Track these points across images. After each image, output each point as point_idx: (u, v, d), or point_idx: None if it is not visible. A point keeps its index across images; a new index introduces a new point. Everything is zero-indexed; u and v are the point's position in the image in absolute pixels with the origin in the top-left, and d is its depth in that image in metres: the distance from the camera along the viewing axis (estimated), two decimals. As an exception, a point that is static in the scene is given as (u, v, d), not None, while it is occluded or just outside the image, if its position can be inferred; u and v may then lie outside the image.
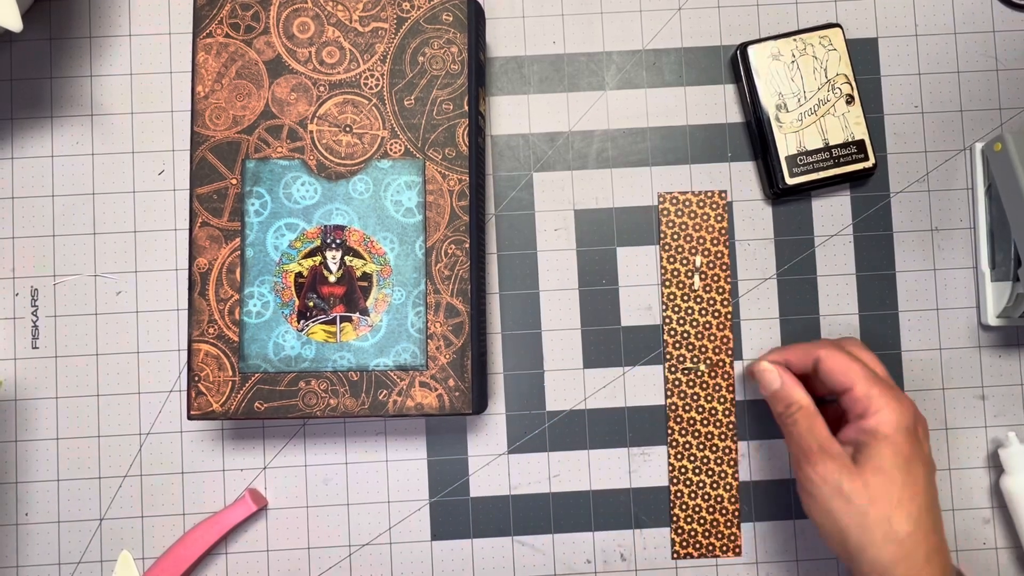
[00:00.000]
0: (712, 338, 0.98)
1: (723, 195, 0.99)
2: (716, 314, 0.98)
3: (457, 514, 0.97)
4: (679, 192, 0.99)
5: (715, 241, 0.99)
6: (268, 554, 0.97)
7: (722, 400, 0.98)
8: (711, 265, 0.99)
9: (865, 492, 0.80)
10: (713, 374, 0.98)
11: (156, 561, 0.94)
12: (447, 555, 0.97)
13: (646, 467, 0.98)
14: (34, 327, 0.97)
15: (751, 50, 0.97)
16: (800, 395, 0.88)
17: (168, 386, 0.98)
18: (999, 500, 0.98)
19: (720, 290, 0.99)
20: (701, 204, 0.99)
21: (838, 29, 0.97)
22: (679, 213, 0.99)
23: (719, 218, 0.99)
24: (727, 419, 0.98)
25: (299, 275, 0.88)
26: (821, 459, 0.83)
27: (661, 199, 0.99)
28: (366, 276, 0.88)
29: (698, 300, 0.98)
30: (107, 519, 0.97)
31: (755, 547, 0.98)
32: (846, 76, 0.97)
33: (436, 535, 0.98)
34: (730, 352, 0.98)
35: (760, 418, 0.98)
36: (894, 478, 0.81)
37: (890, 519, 0.80)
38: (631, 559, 0.98)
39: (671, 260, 0.99)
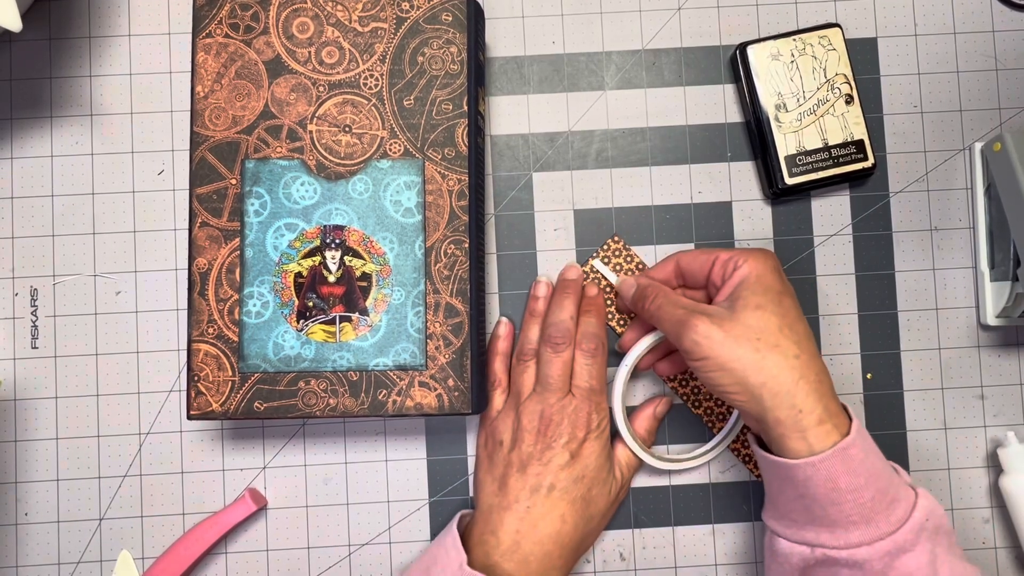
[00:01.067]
0: None
1: (616, 239, 1.00)
2: None
3: (456, 514, 0.97)
4: (584, 268, 0.99)
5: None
6: (268, 554, 0.97)
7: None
8: None
9: (749, 331, 0.82)
10: None
11: (156, 561, 0.94)
12: (447, 555, 0.97)
13: (645, 466, 0.98)
14: (34, 327, 0.97)
15: (750, 50, 0.97)
16: (656, 284, 0.92)
17: (168, 386, 0.98)
18: (998, 500, 0.98)
19: None
20: (607, 260, 0.99)
21: (837, 29, 0.97)
22: (597, 283, 0.99)
23: (628, 259, 0.99)
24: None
25: (299, 275, 0.88)
26: (696, 319, 0.83)
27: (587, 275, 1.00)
28: (365, 276, 0.88)
29: None
30: (107, 519, 0.97)
31: (754, 547, 0.98)
32: (845, 76, 0.97)
33: (435, 535, 0.98)
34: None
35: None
36: (771, 310, 0.83)
37: (779, 346, 0.81)
38: (630, 559, 0.98)
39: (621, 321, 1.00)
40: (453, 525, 0.90)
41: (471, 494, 0.98)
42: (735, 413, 0.97)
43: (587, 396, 0.92)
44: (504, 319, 0.98)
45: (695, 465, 0.96)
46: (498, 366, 0.97)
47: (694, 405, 0.99)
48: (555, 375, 0.91)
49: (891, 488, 0.81)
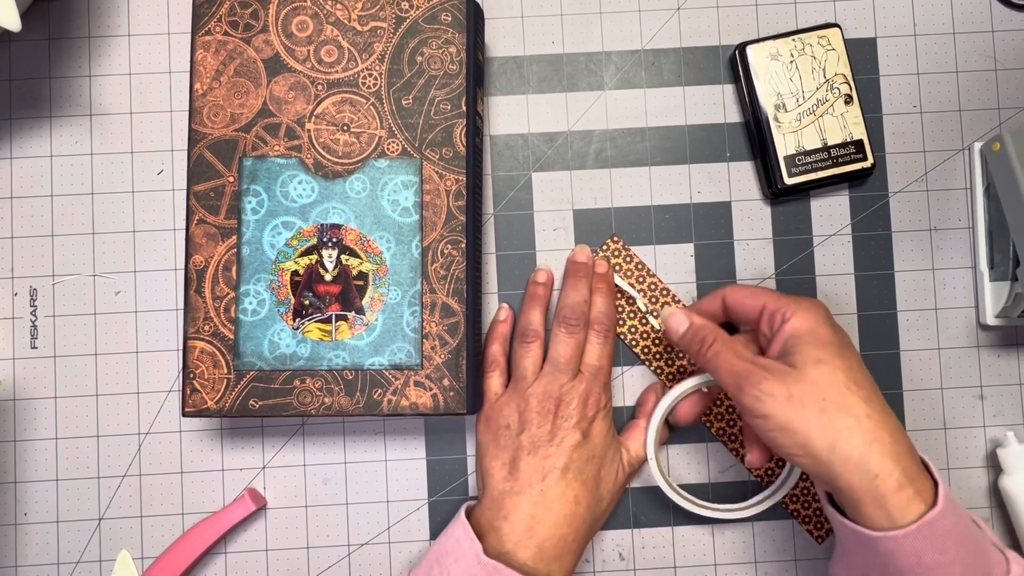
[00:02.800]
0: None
1: (615, 239, 0.99)
2: None
3: (456, 514, 0.97)
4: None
5: (641, 279, 0.99)
6: (267, 554, 0.97)
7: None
8: (655, 300, 0.99)
9: (814, 389, 0.78)
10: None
11: (155, 561, 0.94)
12: (446, 555, 0.97)
13: (644, 466, 0.98)
14: (33, 327, 0.98)
15: (750, 50, 0.97)
16: (711, 327, 0.88)
17: (167, 386, 0.98)
18: (998, 500, 0.98)
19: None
20: (607, 260, 0.98)
21: (837, 29, 0.97)
22: (607, 259, 0.99)
23: (627, 259, 0.99)
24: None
25: (295, 273, 0.88)
26: (758, 375, 0.80)
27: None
28: (362, 275, 0.88)
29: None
30: (106, 519, 0.97)
31: (754, 547, 0.98)
32: (845, 76, 0.97)
33: (435, 535, 0.98)
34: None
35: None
36: (836, 364, 0.79)
37: (847, 405, 0.78)
38: (630, 559, 0.98)
39: (620, 321, 0.99)
40: (462, 515, 0.89)
41: (471, 492, 0.98)
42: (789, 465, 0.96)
43: (595, 375, 0.92)
44: (505, 305, 0.98)
45: (740, 517, 0.95)
46: (496, 349, 0.97)
47: (711, 421, 0.99)
48: (568, 356, 0.92)
49: (981, 559, 0.77)
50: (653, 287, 0.98)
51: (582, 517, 0.89)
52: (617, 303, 0.98)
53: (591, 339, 0.93)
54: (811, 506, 0.97)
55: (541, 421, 0.90)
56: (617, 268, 0.99)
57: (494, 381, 0.95)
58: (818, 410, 0.77)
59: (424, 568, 0.88)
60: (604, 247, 0.99)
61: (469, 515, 0.91)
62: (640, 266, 0.98)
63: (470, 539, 0.86)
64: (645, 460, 0.95)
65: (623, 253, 0.99)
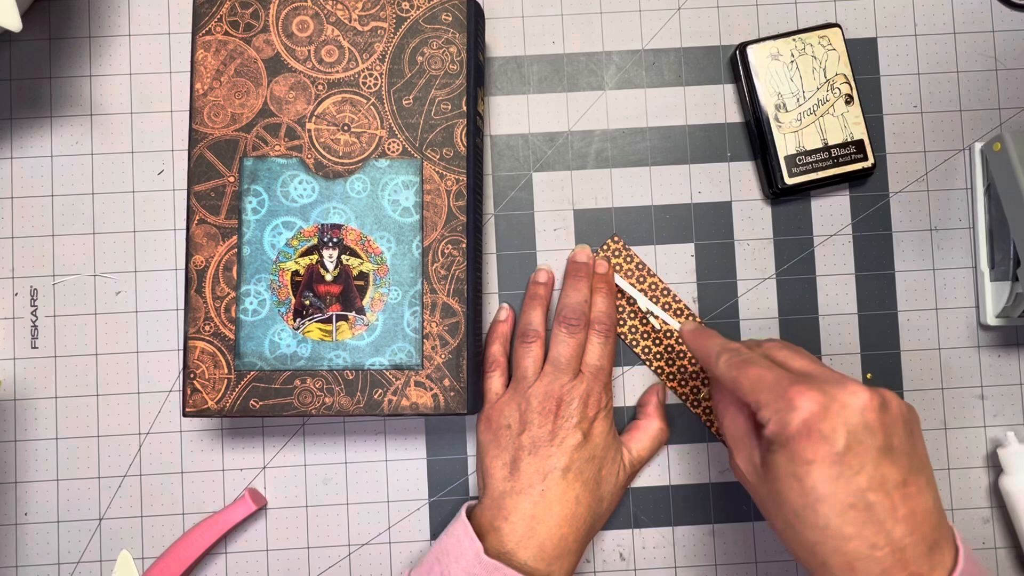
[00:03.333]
0: None
1: (616, 239, 0.99)
2: None
3: (456, 514, 0.97)
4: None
5: (641, 279, 0.99)
6: (268, 554, 0.97)
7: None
8: (655, 299, 0.99)
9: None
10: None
11: (156, 561, 0.94)
12: (446, 555, 0.97)
13: (645, 467, 0.98)
14: (33, 327, 0.98)
15: (750, 50, 0.97)
16: (747, 349, 0.84)
17: (167, 386, 0.98)
18: (998, 500, 0.98)
19: (679, 312, 0.99)
20: (607, 260, 0.98)
21: (837, 29, 0.97)
22: (607, 259, 0.99)
23: (628, 259, 0.99)
24: None
25: (295, 273, 0.88)
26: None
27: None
28: (363, 275, 0.88)
29: (667, 335, 0.99)
30: (106, 519, 0.97)
31: (754, 547, 0.98)
32: (845, 76, 0.97)
33: (435, 535, 0.98)
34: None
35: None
36: (791, 488, 0.74)
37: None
38: (630, 559, 0.98)
39: (620, 321, 0.99)
40: (463, 515, 0.89)
41: (471, 492, 0.98)
42: None
43: (596, 375, 0.92)
44: (505, 304, 0.99)
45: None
46: (497, 349, 0.97)
47: (693, 404, 0.98)
48: (568, 356, 0.92)
49: None
50: (653, 287, 0.98)
51: (583, 517, 0.89)
52: (618, 303, 0.98)
53: (592, 339, 0.93)
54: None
55: (542, 421, 0.89)
56: (617, 268, 0.99)
57: (495, 381, 0.95)
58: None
59: (425, 567, 0.88)
60: (604, 247, 0.99)
61: (470, 515, 0.91)
62: (640, 266, 0.98)
63: (470, 538, 0.86)
64: (647, 461, 0.95)
65: (623, 253, 0.99)
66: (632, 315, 0.98)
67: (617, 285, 0.97)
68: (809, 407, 0.73)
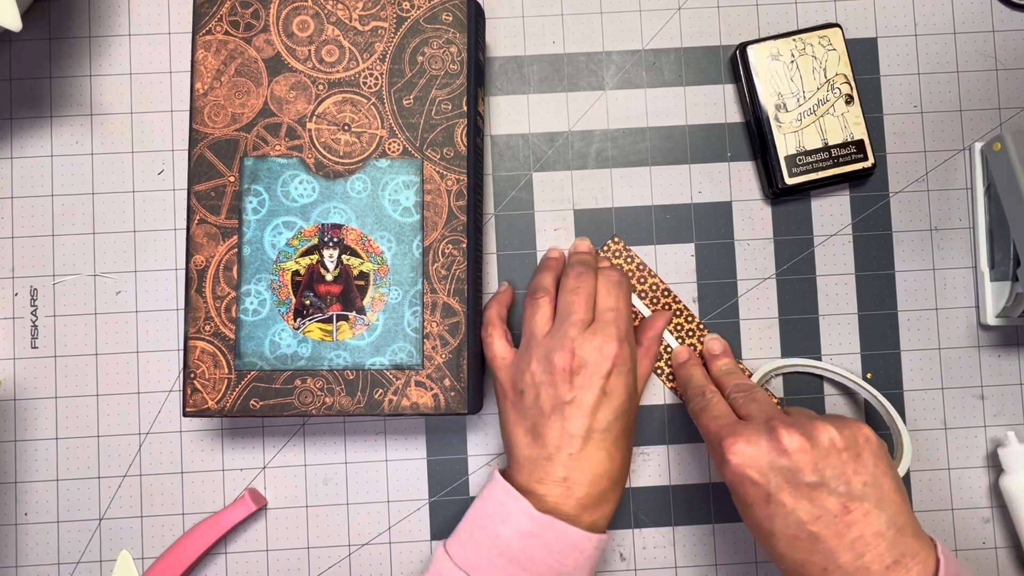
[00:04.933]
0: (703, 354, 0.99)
1: (616, 240, 0.99)
2: (691, 333, 0.99)
3: (457, 514, 0.97)
4: None
5: (642, 280, 0.99)
6: (268, 554, 0.97)
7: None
8: (655, 301, 0.99)
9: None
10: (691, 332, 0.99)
11: (155, 561, 0.94)
12: (446, 555, 0.97)
13: (645, 467, 0.98)
14: (33, 327, 0.98)
15: (750, 50, 0.97)
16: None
17: (167, 386, 0.98)
18: (998, 500, 0.98)
19: (678, 312, 0.99)
20: (608, 262, 0.98)
21: (837, 29, 0.97)
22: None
23: (628, 260, 0.99)
24: None
25: (296, 273, 0.88)
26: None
27: None
28: (363, 275, 0.88)
29: (673, 330, 0.99)
30: (106, 519, 0.97)
31: (754, 547, 0.98)
32: (845, 76, 0.97)
33: (436, 535, 0.98)
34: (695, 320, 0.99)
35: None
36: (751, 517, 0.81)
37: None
38: (630, 559, 0.98)
39: None
40: (500, 478, 0.86)
41: (471, 492, 0.98)
42: None
43: (612, 321, 0.88)
44: (506, 280, 0.98)
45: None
46: (493, 311, 0.94)
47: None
48: (580, 303, 0.88)
49: None
50: (654, 288, 0.98)
51: (617, 468, 0.87)
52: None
53: (602, 284, 0.90)
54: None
55: (557, 381, 0.85)
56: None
57: (496, 343, 0.92)
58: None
59: (464, 535, 0.86)
60: (605, 248, 0.99)
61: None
62: (641, 267, 0.98)
63: (514, 498, 0.84)
64: (650, 374, 0.97)
65: (624, 254, 0.99)
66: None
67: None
68: (737, 457, 0.80)
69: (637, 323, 0.98)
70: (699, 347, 0.98)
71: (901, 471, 0.91)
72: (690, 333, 0.98)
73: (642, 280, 0.98)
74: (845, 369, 0.97)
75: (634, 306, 0.98)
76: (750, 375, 0.97)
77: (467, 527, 0.86)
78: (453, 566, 0.84)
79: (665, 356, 0.99)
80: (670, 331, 0.98)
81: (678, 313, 0.98)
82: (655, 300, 0.98)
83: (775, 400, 0.91)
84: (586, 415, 0.85)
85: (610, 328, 0.87)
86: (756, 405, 0.86)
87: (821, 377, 0.99)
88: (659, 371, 0.99)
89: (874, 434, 0.80)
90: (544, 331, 0.89)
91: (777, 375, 0.98)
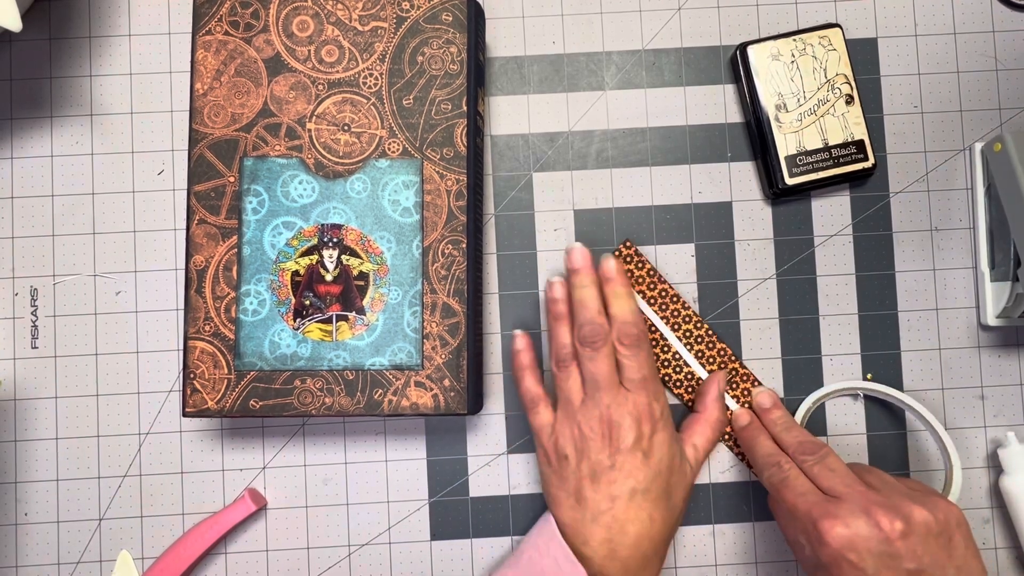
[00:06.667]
0: (711, 360, 0.98)
1: (627, 244, 0.99)
2: (699, 339, 0.99)
3: (457, 514, 0.97)
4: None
5: (652, 286, 0.99)
6: (267, 554, 0.97)
7: (687, 319, 0.98)
8: (664, 307, 0.98)
9: None
10: (735, 384, 0.99)
11: (155, 561, 0.94)
12: (446, 555, 0.97)
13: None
14: (33, 327, 0.98)
15: (751, 50, 0.97)
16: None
17: (167, 386, 0.98)
18: (999, 500, 0.98)
19: (687, 319, 0.98)
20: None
21: (838, 29, 0.97)
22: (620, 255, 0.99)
23: (639, 265, 0.99)
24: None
25: (295, 273, 0.88)
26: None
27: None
28: (363, 275, 0.88)
29: (682, 336, 0.99)
30: (106, 519, 0.97)
31: (754, 547, 0.98)
32: (846, 76, 0.97)
33: (436, 535, 0.98)
34: (734, 358, 0.98)
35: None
36: None
37: None
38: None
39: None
40: (559, 536, 0.88)
41: (471, 493, 0.98)
42: None
43: (642, 386, 0.89)
44: (518, 332, 0.96)
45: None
46: (530, 381, 0.94)
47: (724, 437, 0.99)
48: (603, 372, 0.89)
49: None
50: (663, 294, 0.98)
51: (659, 531, 0.88)
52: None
53: (622, 354, 0.90)
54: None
55: (598, 448, 0.88)
56: (628, 275, 0.98)
57: (541, 415, 0.92)
58: None
59: None
60: (616, 252, 0.98)
61: None
62: (652, 272, 0.98)
63: (572, 563, 0.85)
64: (710, 452, 0.96)
65: (635, 259, 0.98)
66: (664, 351, 0.99)
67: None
68: (837, 541, 0.80)
69: (653, 337, 0.98)
70: (715, 365, 0.98)
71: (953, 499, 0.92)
72: (699, 339, 0.98)
73: (652, 286, 0.98)
74: (887, 387, 0.97)
75: (643, 314, 0.98)
76: (792, 413, 0.97)
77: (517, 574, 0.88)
78: None
79: (662, 356, 0.99)
80: (696, 359, 0.99)
81: (687, 320, 0.98)
82: (664, 307, 0.98)
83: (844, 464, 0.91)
84: (628, 479, 0.87)
85: (640, 392, 0.89)
86: (837, 477, 0.86)
87: (857, 395, 0.99)
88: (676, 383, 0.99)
89: (963, 515, 0.82)
90: (580, 397, 0.90)
91: (818, 404, 0.98)
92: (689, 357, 0.98)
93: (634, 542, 0.87)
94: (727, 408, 0.98)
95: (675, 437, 0.92)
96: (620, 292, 0.92)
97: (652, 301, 0.98)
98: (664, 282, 0.98)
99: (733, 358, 0.98)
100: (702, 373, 0.98)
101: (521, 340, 0.95)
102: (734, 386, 0.98)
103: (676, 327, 0.98)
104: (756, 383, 0.98)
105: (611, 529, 0.87)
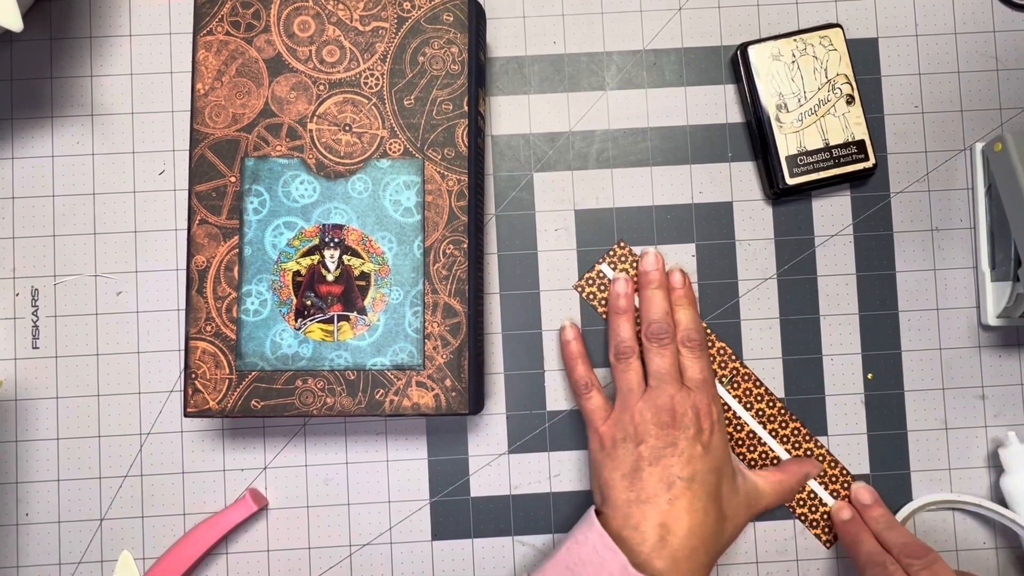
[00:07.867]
0: (713, 360, 0.99)
1: (621, 245, 0.99)
2: (723, 365, 0.99)
3: (457, 514, 0.97)
4: (590, 274, 0.99)
5: None
6: (268, 554, 0.97)
7: (759, 398, 0.98)
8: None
9: None
10: (736, 384, 0.99)
11: (156, 561, 0.94)
12: (447, 555, 0.97)
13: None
14: (34, 327, 0.98)
15: (751, 50, 0.97)
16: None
17: (168, 386, 0.98)
18: (999, 500, 0.98)
19: (757, 397, 0.99)
20: (613, 265, 0.98)
21: (838, 29, 0.97)
22: (602, 288, 0.99)
23: (634, 265, 0.99)
24: (777, 410, 0.99)
25: (297, 274, 0.88)
26: None
27: (580, 288, 0.99)
28: (364, 275, 0.88)
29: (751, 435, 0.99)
30: (107, 519, 0.97)
31: (755, 547, 0.98)
32: (846, 76, 0.97)
33: (436, 535, 0.98)
34: (734, 357, 0.98)
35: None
36: None
37: None
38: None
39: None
40: (597, 524, 0.87)
41: (472, 493, 0.98)
42: None
43: (702, 387, 0.92)
44: (567, 323, 0.98)
45: None
46: (582, 370, 0.96)
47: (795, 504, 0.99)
48: (668, 367, 0.91)
49: None
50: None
51: (712, 530, 0.88)
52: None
53: (685, 356, 0.93)
54: (818, 510, 0.98)
55: (659, 432, 0.89)
56: (624, 274, 0.98)
57: (595, 401, 0.94)
58: None
59: (554, 573, 0.86)
60: (611, 253, 0.99)
61: None
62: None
63: (611, 550, 0.84)
64: (765, 498, 0.95)
65: (630, 259, 0.98)
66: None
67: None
68: None
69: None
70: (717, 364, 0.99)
71: None
72: (722, 364, 0.99)
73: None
74: (1003, 507, 0.97)
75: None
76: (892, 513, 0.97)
77: (556, 566, 0.87)
78: None
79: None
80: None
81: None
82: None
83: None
84: (687, 464, 0.88)
85: (701, 392, 0.92)
86: None
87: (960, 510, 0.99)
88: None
89: None
90: (641, 388, 0.92)
91: (919, 511, 0.98)
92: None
93: (686, 532, 0.86)
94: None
95: (730, 450, 0.93)
96: (686, 301, 0.96)
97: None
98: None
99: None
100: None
101: (571, 330, 0.97)
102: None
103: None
104: (851, 479, 0.98)
105: (666, 514, 0.86)
